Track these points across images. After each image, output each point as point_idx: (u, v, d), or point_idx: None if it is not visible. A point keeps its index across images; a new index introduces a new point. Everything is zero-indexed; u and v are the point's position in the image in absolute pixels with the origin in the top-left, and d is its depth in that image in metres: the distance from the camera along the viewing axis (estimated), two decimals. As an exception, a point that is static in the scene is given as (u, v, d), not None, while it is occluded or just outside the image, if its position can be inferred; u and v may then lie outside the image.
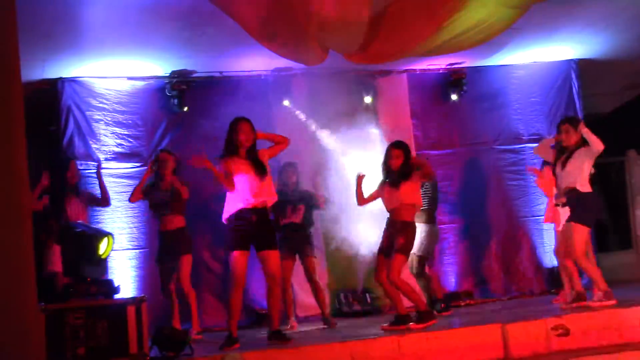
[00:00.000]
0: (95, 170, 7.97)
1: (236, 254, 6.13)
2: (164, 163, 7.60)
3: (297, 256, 7.90)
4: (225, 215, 6.27)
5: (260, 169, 6.23)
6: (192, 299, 7.54)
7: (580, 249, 6.94)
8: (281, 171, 8.02)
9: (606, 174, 7.86)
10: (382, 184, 6.86)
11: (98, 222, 8.19)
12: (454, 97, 9.79)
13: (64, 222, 7.34)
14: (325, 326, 7.77)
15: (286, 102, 9.25)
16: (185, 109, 8.87)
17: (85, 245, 6.11)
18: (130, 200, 7.73)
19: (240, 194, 6.20)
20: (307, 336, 7.13)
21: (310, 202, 7.99)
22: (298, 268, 8.03)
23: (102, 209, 8.20)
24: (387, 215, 6.86)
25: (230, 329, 6.21)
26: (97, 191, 7.96)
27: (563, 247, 7.30)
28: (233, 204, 6.21)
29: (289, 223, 7.83)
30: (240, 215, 6.16)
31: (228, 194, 6.26)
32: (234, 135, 6.25)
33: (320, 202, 8.06)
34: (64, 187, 7.48)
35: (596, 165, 7.41)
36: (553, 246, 8.22)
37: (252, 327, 8.37)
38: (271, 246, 6.24)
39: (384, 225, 6.90)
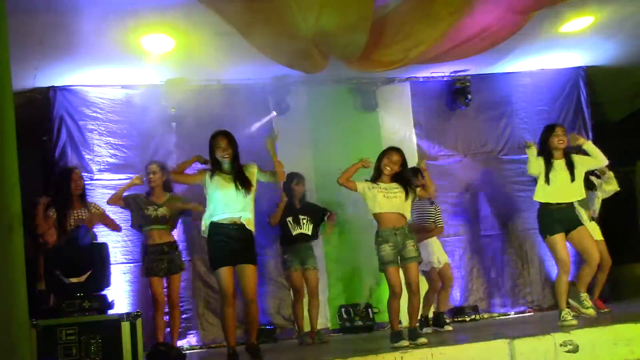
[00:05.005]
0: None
1: (222, 270, 6.03)
2: (154, 175, 7.42)
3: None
4: (203, 228, 6.17)
5: (242, 184, 6.13)
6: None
7: None
8: (287, 182, 7.88)
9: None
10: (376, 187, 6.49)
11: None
12: (458, 105, 9.65)
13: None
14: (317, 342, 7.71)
15: (286, 111, 9.05)
16: (182, 118, 8.69)
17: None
18: (109, 202, 7.44)
19: (220, 209, 6.12)
20: (306, 352, 7.02)
21: (317, 215, 7.94)
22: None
23: None
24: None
25: (229, 345, 6.11)
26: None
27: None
28: (212, 217, 6.12)
29: (300, 234, 7.82)
30: (219, 230, 6.08)
31: (208, 208, 6.15)
32: (212, 151, 6.20)
33: (331, 216, 8.01)
34: (67, 199, 7.21)
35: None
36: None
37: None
38: (249, 260, 6.13)
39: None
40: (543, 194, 6.76)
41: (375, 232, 6.40)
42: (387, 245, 6.25)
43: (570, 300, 6.91)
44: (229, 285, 6.00)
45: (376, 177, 6.43)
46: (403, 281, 6.31)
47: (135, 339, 5.64)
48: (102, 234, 8.09)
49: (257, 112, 8.75)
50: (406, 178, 6.47)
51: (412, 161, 8.92)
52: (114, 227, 7.44)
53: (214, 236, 6.08)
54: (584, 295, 6.79)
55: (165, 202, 7.39)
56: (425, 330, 7.63)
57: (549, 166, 6.74)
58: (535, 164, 6.79)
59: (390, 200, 6.32)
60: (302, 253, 7.81)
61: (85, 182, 7.62)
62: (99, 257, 6.04)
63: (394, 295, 6.26)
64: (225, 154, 6.12)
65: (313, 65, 7.88)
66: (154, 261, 7.27)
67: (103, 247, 6.20)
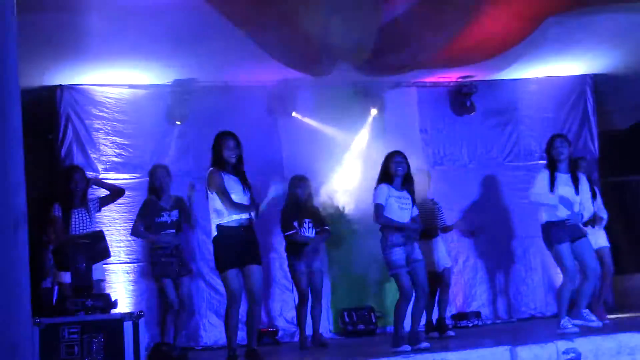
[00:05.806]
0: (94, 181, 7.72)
1: (231, 272, 6.00)
2: (163, 178, 7.36)
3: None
4: (215, 232, 6.12)
5: (247, 186, 6.14)
6: None
7: None
8: (293, 184, 7.90)
9: (621, 193, 7.64)
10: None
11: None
12: (464, 111, 9.62)
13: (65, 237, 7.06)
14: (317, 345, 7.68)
15: (292, 114, 9.05)
16: (188, 118, 8.70)
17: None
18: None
19: (230, 211, 6.05)
20: (307, 355, 7.03)
21: (320, 222, 7.94)
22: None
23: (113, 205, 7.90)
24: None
25: (230, 347, 6.10)
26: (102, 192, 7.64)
27: None
28: (221, 220, 6.06)
29: (308, 237, 7.80)
30: (228, 232, 6.04)
31: (215, 211, 6.08)
32: (219, 150, 6.13)
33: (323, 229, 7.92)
34: (69, 198, 7.21)
35: (611, 184, 7.21)
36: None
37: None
38: (255, 260, 6.11)
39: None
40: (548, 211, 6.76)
41: (381, 236, 6.38)
42: (398, 249, 6.23)
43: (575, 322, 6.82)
44: (238, 286, 5.97)
45: (385, 180, 6.43)
46: None
47: (137, 339, 5.64)
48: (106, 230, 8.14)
49: (264, 114, 8.75)
50: (412, 189, 6.51)
51: (415, 164, 8.92)
52: (114, 189, 7.47)
53: (223, 239, 6.03)
54: (585, 311, 6.73)
55: (172, 206, 7.34)
56: (431, 334, 7.62)
57: (554, 180, 6.75)
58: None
59: (402, 212, 6.36)
60: (309, 256, 7.79)
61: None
62: (91, 252, 6.07)
63: (405, 299, 6.24)
64: (233, 153, 6.10)
65: (320, 68, 7.89)
66: (166, 264, 7.19)
67: (98, 242, 6.21)
